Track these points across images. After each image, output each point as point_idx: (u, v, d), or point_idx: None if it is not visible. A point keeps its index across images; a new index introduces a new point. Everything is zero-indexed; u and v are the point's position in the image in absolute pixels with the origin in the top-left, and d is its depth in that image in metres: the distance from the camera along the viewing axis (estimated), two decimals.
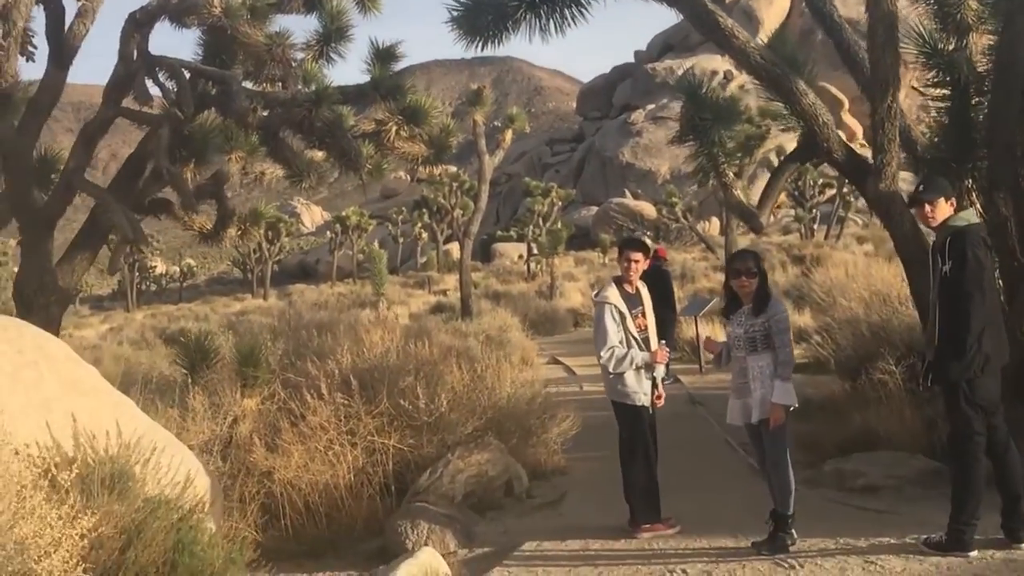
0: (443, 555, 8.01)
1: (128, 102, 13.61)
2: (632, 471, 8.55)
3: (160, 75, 13.59)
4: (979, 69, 10.77)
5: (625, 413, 8.58)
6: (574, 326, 32.89)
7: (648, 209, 73.21)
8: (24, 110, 13.11)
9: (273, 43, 13.25)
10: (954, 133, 10.91)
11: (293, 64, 13.80)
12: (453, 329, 23.33)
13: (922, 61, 11.13)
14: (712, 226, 70.48)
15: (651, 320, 8.81)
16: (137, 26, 13.28)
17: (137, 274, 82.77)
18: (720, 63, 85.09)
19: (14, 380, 6.47)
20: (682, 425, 12.69)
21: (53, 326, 11.96)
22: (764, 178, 44.80)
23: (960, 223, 7.12)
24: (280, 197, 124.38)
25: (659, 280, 16.16)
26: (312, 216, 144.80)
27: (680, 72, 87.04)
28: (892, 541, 7.35)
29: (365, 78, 14.01)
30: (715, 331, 20.11)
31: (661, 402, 8.82)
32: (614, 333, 8.47)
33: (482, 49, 10.45)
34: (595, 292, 9.11)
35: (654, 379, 8.67)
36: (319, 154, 14.58)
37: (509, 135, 32.22)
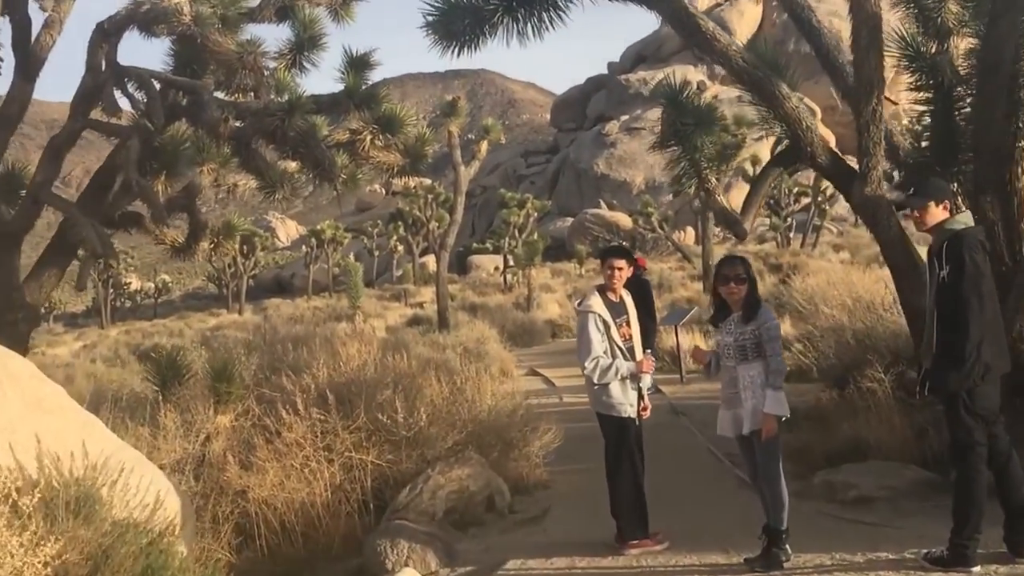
0: (424, 575, 7.78)
1: (97, 114, 13.33)
2: (618, 485, 8.32)
3: (129, 86, 13.34)
4: (962, 72, 10.64)
5: (610, 425, 8.35)
6: (552, 337, 32.79)
7: (624, 220, 73.22)
8: None
9: (244, 52, 12.99)
10: (939, 136, 10.78)
11: (265, 73, 13.54)
12: (431, 341, 23.24)
13: (905, 64, 10.99)
14: (688, 236, 70.56)
15: (636, 329, 8.59)
16: (105, 36, 13.01)
17: (111, 291, 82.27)
18: (693, 73, 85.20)
19: None
20: (665, 436, 12.47)
21: (21, 344, 11.68)
22: (739, 187, 44.98)
23: (957, 226, 6.90)
24: (255, 212, 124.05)
25: (639, 290, 15.95)
26: (287, 230, 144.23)
27: (653, 83, 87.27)
28: (890, 556, 7.12)
29: (339, 87, 13.80)
30: (695, 341, 19.97)
31: (647, 413, 8.60)
32: (598, 343, 8.24)
33: (458, 55, 10.22)
34: (578, 301, 8.88)
35: (640, 390, 8.44)
36: (293, 164, 14.33)
37: (484, 146, 32.16)
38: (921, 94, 10.92)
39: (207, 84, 13.33)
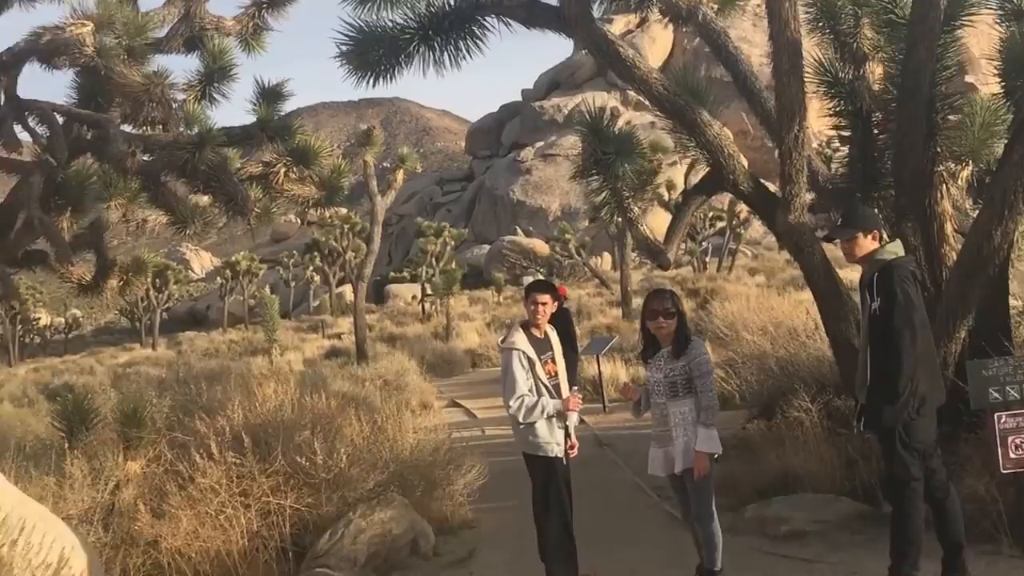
0: None
1: None
2: (547, 527, 8.05)
3: (30, 120, 12.82)
4: (881, 97, 10.65)
5: (537, 466, 8.08)
6: (472, 367, 32.54)
7: (541, 246, 73.31)
8: None
9: (151, 83, 12.55)
10: (859, 162, 10.77)
11: (174, 105, 13.13)
12: (349, 374, 22.83)
13: (823, 90, 10.98)
14: (605, 261, 70.77)
15: (561, 366, 8.35)
16: (3, 68, 12.50)
17: (20, 327, 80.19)
18: (607, 99, 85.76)
19: None
20: (591, 469, 12.25)
21: None
22: (656, 213, 45.23)
23: (887, 257, 6.76)
24: (168, 243, 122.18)
25: (562, 320, 15.76)
26: (202, 262, 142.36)
27: (567, 109, 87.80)
28: None
29: (252, 119, 13.46)
30: (616, 369, 19.89)
31: (575, 452, 8.33)
32: (523, 381, 7.97)
33: (373, 85, 10.01)
34: (502, 337, 8.63)
35: (567, 428, 8.19)
36: (205, 199, 13.91)
37: (401, 175, 31.99)
38: (840, 120, 10.91)
39: (113, 117, 12.87)
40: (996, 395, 6.77)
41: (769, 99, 10.77)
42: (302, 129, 13.80)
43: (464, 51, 9.95)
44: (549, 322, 8.47)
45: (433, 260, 60.92)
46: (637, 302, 16.99)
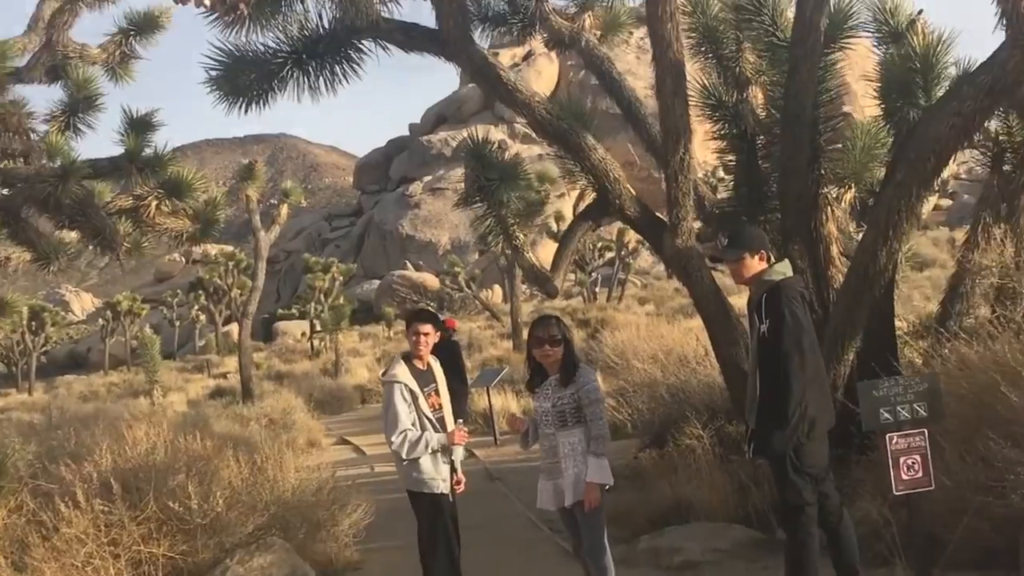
0: None
1: None
2: (434, 568, 7.73)
3: None
4: (764, 120, 10.64)
5: (422, 503, 7.76)
6: (361, 403, 32.08)
7: (431, 280, 73.09)
8: None
9: (7, 112, 11.97)
10: (744, 186, 10.72)
11: (35, 137, 12.55)
12: (233, 414, 22.20)
13: (707, 114, 10.94)
14: (496, 294, 70.69)
15: (446, 398, 8.05)
16: None
17: None
18: (495, 132, 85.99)
19: None
20: (481, 504, 11.96)
21: None
22: (545, 244, 45.28)
23: (775, 277, 6.59)
24: (47, 285, 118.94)
25: (449, 353, 15.52)
26: (82, 303, 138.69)
27: (455, 143, 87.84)
28: None
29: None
30: (507, 402, 19.65)
31: (461, 487, 8.04)
32: (405, 415, 7.65)
33: (246, 111, 9.61)
34: (383, 371, 8.30)
35: (452, 463, 7.89)
36: (73, 235, 13.32)
37: (285, 210, 31.51)
38: (725, 143, 10.88)
39: None
40: (887, 416, 6.64)
41: (654, 124, 10.69)
42: (175, 161, 13.28)
43: (340, 76, 9.64)
44: (433, 353, 8.18)
45: (321, 296, 60.09)
46: (529, 327, 16.86)
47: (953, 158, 8.27)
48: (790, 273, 6.75)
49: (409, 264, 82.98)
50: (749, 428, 6.70)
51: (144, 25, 13.86)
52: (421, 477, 7.69)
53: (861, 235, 9.50)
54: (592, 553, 6.89)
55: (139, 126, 13.00)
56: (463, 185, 11.23)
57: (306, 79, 9.53)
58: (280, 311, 79.94)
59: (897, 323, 10.16)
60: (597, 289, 59.76)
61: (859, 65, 11.19)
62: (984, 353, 7.66)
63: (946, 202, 73.60)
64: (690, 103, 9.61)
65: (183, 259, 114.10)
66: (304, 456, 16.34)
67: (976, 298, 9.88)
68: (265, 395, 28.19)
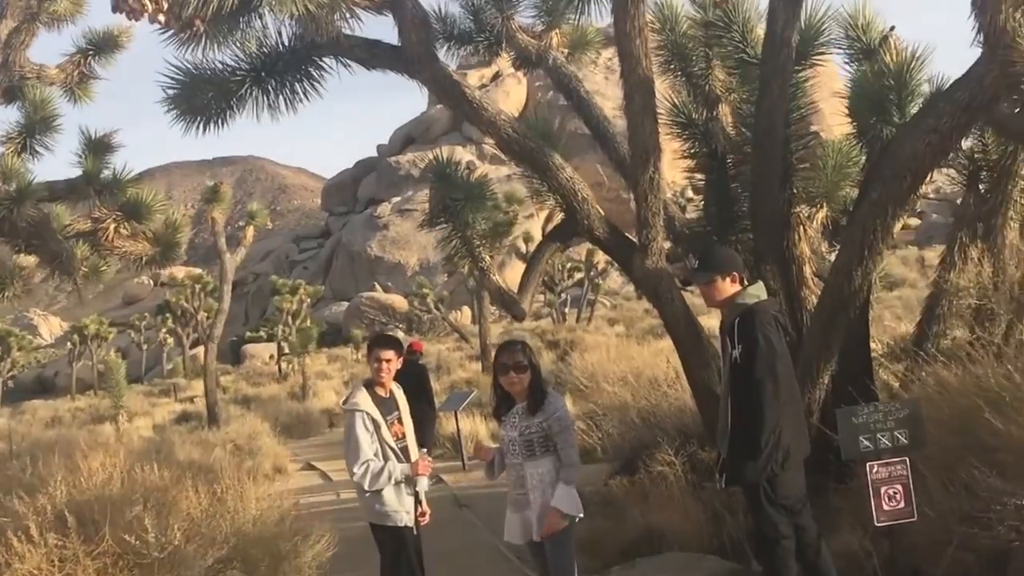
0: None
1: None
2: None
3: None
4: (735, 139, 10.45)
5: (385, 536, 7.48)
6: (329, 427, 31.77)
7: (399, 302, 72.88)
8: None
9: None
10: (714, 205, 10.53)
11: None
12: (198, 440, 21.82)
13: (677, 132, 10.75)
14: (464, 315, 70.45)
15: (409, 427, 7.77)
16: None
17: None
18: (462, 153, 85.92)
19: None
20: (448, 532, 11.68)
21: None
22: (513, 265, 45.12)
23: (748, 300, 6.35)
24: (15, 310, 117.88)
25: (416, 376, 15.23)
26: (50, 327, 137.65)
27: (423, 164, 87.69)
28: None
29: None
30: (476, 426, 19.38)
31: (426, 519, 7.76)
32: (368, 445, 7.38)
33: (204, 130, 9.33)
34: (343, 398, 8.01)
35: (417, 494, 7.61)
36: (31, 259, 12.99)
37: (251, 231, 31.36)
38: (695, 161, 10.70)
39: None
40: (867, 444, 6.42)
41: (623, 144, 10.50)
42: (134, 183, 12.99)
43: (301, 94, 9.37)
44: (399, 377, 7.91)
45: (289, 318, 59.64)
46: (494, 353, 16.68)
47: (929, 176, 8.06)
48: (764, 296, 6.53)
49: (378, 286, 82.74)
50: (721, 456, 6.46)
51: (103, 45, 13.63)
52: (384, 510, 7.41)
53: (835, 255, 9.31)
54: None
55: (97, 148, 12.75)
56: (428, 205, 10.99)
57: (265, 98, 9.27)
58: (248, 334, 79.48)
59: (872, 345, 9.96)
60: (566, 310, 59.55)
61: (826, 85, 11.02)
62: (965, 377, 7.44)
63: (915, 221, 73.94)
64: (659, 121, 9.40)
65: (151, 282, 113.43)
66: (269, 483, 16.00)
67: (953, 319, 9.69)
68: (231, 419, 27.90)
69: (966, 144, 9.48)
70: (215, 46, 8.48)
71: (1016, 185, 9.66)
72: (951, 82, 7.97)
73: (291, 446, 25.00)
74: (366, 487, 7.38)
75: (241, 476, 11.05)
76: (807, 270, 9.57)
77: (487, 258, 10.33)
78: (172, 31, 8.30)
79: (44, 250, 12.21)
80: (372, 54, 9.38)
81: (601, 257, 51.66)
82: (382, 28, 9.54)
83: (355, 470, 7.38)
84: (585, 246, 48.03)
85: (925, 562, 6.59)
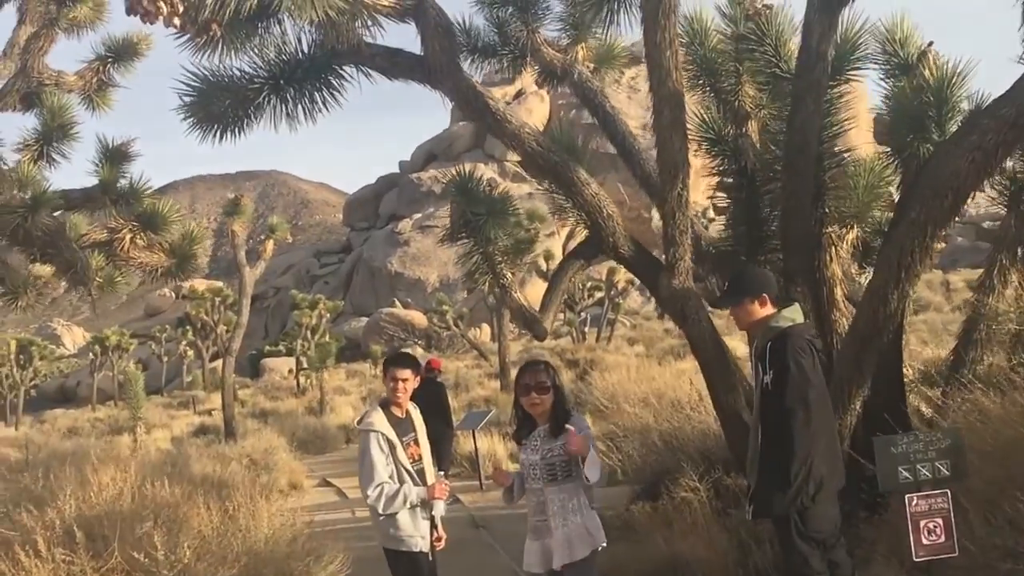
0: None
1: None
2: None
3: None
4: (764, 156, 10.17)
5: (400, 562, 7.21)
6: (346, 443, 31.48)
7: (419, 318, 72.79)
8: None
9: None
10: (743, 224, 10.24)
11: (6, 167, 12.07)
12: (215, 454, 21.61)
13: (706, 148, 10.48)
14: (484, 333, 70.27)
15: (426, 448, 7.50)
16: None
17: None
18: (484, 170, 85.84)
19: None
20: (464, 554, 11.40)
21: None
22: (534, 283, 44.87)
23: (782, 324, 6.06)
24: (38, 319, 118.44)
25: (434, 394, 14.99)
26: (74, 337, 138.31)
27: (445, 181, 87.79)
28: None
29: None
30: (494, 444, 19.12)
31: (442, 544, 7.48)
32: (382, 467, 7.11)
33: (221, 138, 9.13)
34: (358, 418, 7.75)
35: (432, 518, 7.33)
36: (47, 268, 12.81)
37: (271, 245, 31.35)
38: (724, 179, 10.44)
39: None
40: (907, 475, 6.10)
41: (648, 160, 10.25)
42: (149, 189, 12.81)
43: (320, 103, 9.15)
44: (416, 396, 7.64)
45: (308, 333, 59.61)
46: (516, 373, 16.50)
47: (972, 195, 7.76)
48: (800, 319, 6.22)
49: (397, 302, 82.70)
50: (750, 486, 6.16)
51: (122, 51, 13.50)
52: (399, 534, 7.15)
53: (868, 277, 9.01)
54: None
55: (114, 157, 12.57)
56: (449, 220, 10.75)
57: (284, 106, 9.06)
58: (267, 347, 79.55)
59: (903, 370, 9.65)
60: (586, 329, 59.27)
61: (854, 104, 10.74)
62: (1007, 405, 7.14)
63: (939, 244, 73.49)
64: (688, 136, 9.14)
65: (172, 294, 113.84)
66: (284, 499, 15.79)
67: (992, 344, 9.37)
68: (248, 433, 27.77)
69: (1007, 164, 9.18)
70: (232, 52, 8.27)
71: None
72: (993, 98, 7.69)
73: (307, 461, 24.78)
74: (380, 510, 7.12)
75: (254, 493, 10.84)
76: (838, 292, 9.28)
77: (508, 275, 10.09)
78: (188, 36, 8.09)
79: (59, 259, 12.03)
80: (394, 63, 9.16)
81: (621, 276, 51.44)
82: (405, 37, 9.33)
83: (369, 492, 7.12)
84: (606, 265, 47.83)
85: None
